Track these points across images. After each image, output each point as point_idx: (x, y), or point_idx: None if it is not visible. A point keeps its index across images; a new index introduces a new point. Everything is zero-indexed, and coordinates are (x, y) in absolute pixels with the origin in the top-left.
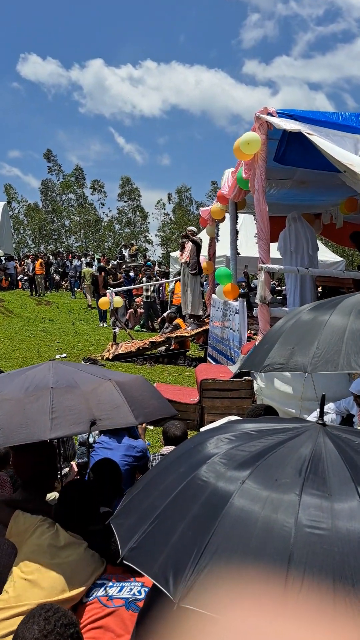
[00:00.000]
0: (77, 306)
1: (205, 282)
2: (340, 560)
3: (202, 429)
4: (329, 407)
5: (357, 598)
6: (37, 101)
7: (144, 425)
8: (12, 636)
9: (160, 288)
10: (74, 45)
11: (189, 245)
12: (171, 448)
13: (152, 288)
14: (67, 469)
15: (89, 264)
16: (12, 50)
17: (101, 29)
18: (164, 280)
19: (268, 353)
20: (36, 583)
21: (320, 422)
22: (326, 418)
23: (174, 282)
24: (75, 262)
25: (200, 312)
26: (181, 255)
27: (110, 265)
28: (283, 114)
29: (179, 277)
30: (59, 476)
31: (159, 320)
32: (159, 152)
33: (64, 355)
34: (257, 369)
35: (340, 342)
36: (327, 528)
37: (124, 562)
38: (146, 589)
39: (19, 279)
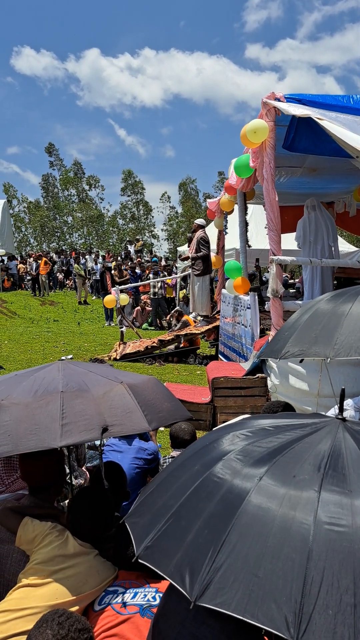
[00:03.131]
0: (82, 306)
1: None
2: None
3: (214, 429)
4: (347, 403)
5: None
6: (33, 95)
7: None
8: (11, 639)
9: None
10: (68, 35)
11: (193, 242)
12: (179, 452)
13: (159, 285)
14: (81, 480)
15: (77, 260)
16: (5, 44)
17: (95, 17)
18: (173, 277)
19: (288, 340)
20: (39, 588)
21: (339, 417)
22: (345, 415)
23: (179, 278)
24: (81, 260)
25: (205, 312)
26: (190, 251)
27: (117, 261)
28: (291, 98)
29: (187, 273)
30: (72, 482)
31: (167, 317)
32: (162, 144)
33: (70, 356)
34: (277, 356)
35: None
36: (348, 525)
37: (139, 561)
38: (160, 595)
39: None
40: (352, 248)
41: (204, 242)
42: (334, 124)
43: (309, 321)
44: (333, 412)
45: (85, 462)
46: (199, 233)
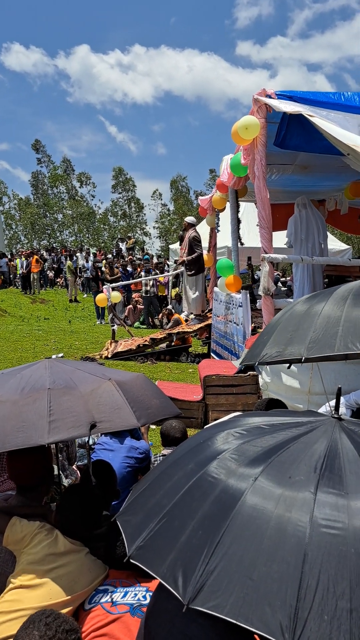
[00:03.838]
0: (73, 304)
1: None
2: (357, 561)
3: (206, 427)
4: None
5: None
6: (23, 92)
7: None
8: None
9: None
10: (57, 31)
11: (185, 242)
12: (171, 450)
13: (151, 283)
14: (72, 478)
15: (70, 257)
16: None
17: (85, 13)
18: (165, 274)
19: (266, 344)
20: (32, 589)
21: (335, 416)
22: None
23: (171, 276)
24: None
25: (200, 312)
26: (182, 250)
27: (107, 259)
28: (282, 95)
29: (179, 270)
30: (61, 482)
31: (160, 316)
32: (154, 141)
33: (60, 355)
34: (256, 361)
35: (336, 326)
36: (344, 528)
37: (131, 561)
38: (151, 594)
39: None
40: (344, 246)
41: (197, 241)
42: (325, 121)
43: (285, 323)
44: (324, 409)
45: (76, 461)
46: (191, 232)
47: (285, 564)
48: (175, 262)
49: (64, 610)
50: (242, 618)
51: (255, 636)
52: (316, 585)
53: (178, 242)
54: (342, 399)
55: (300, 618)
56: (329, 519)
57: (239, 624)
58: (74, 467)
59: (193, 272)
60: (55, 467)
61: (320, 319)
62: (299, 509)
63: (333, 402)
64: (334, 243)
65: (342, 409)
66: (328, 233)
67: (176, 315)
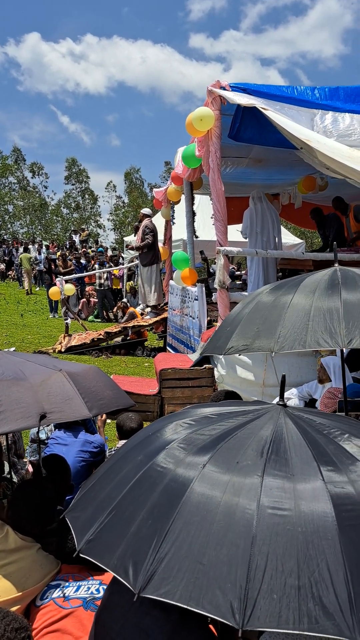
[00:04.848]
0: (26, 297)
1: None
2: (304, 540)
3: (158, 419)
4: (292, 392)
5: (321, 577)
6: None
7: (103, 417)
8: None
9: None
10: (6, 18)
11: (139, 232)
12: None
13: (105, 276)
14: (23, 472)
15: (26, 249)
16: None
17: (34, 0)
18: (119, 267)
19: (230, 336)
20: None
21: (280, 403)
22: (289, 403)
23: (126, 269)
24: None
25: (154, 303)
26: (137, 242)
27: (61, 251)
28: (237, 88)
29: (134, 263)
30: (12, 478)
31: (115, 309)
32: (107, 132)
33: (12, 349)
34: (220, 352)
35: (306, 319)
36: (290, 509)
37: (81, 555)
38: (104, 587)
39: None
40: (297, 240)
41: (149, 230)
42: (279, 115)
43: (250, 315)
44: (277, 401)
45: (24, 456)
46: (145, 222)
47: (235, 546)
48: (127, 246)
49: (14, 608)
50: (194, 602)
51: (210, 626)
52: (265, 566)
53: (133, 234)
54: (294, 391)
55: (250, 598)
56: (276, 501)
57: (190, 609)
58: (25, 460)
59: (145, 261)
60: (6, 463)
61: (289, 313)
62: (247, 493)
63: (285, 394)
64: (288, 237)
65: (296, 400)
66: (282, 227)
67: (131, 309)
